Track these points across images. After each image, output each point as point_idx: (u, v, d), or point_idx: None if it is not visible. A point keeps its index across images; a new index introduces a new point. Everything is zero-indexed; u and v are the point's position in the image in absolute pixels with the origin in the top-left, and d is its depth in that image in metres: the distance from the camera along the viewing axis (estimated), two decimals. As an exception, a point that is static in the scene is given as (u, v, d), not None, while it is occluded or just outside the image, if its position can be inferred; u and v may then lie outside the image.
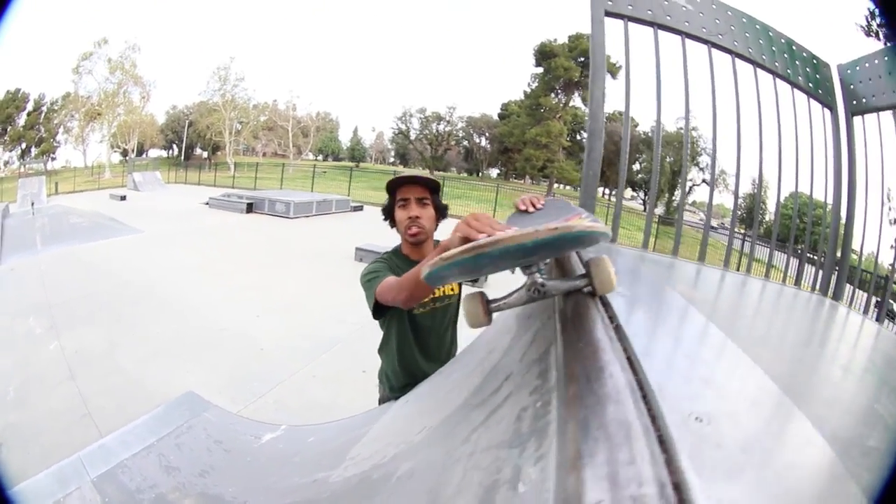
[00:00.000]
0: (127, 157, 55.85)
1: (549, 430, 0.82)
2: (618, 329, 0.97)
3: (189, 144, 65.92)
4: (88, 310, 8.25)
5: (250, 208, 22.53)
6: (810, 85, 3.50)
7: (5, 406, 5.33)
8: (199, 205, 24.66)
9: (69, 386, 5.75)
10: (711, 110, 3.07)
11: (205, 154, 66.89)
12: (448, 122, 67.94)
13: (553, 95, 56.28)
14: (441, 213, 2.65)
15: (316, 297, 9.64)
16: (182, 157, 63.59)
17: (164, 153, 68.52)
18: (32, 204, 22.21)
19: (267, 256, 13.65)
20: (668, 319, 1.33)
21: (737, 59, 3.17)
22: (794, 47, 3.47)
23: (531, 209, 1.85)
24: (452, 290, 2.73)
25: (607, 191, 52.58)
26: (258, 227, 19.01)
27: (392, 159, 78.88)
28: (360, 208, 25.91)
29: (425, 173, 2.73)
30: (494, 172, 69.42)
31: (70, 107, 53.89)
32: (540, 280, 1.21)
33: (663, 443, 0.61)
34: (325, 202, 24.05)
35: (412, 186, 2.51)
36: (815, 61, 3.59)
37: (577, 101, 56.33)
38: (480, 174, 68.68)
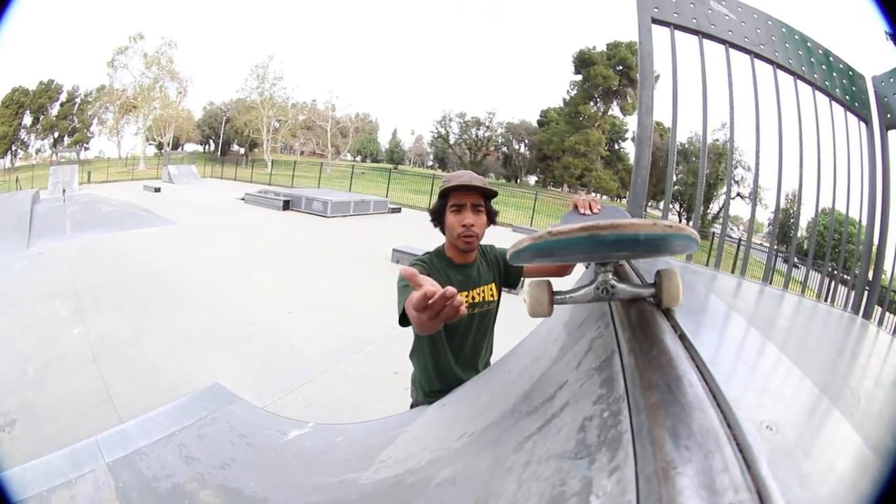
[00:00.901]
0: (162, 150, 56.99)
1: (622, 440, 0.82)
2: (683, 339, 0.98)
3: (226, 140, 67.04)
4: (116, 297, 8.27)
5: (287, 205, 22.68)
6: (847, 97, 3.44)
7: (23, 384, 5.30)
8: (235, 200, 24.89)
9: (91, 370, 5.73)
10: (755, 122, 3.03)
11: (242, 150, 67.99)
12: (488, 127, 68.60)
13: (592, 104, 56.84)
14: (492, 219, 2.58)
15: (350, 296, 9.56)
16: (219, 153, 64.57)
17: (200, 148, 69.77)
18: (63, 191, 22.58)
19: (302, 254, 13.65)
20: (720, 329, 1.30)
21: (778, 71, 3.14)
22: (830, 59, 3.43)
23: (588, 212, 1.87)
24: (492, 295, 2.67)
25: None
26: (294, 224, 18.93)
27: (431, 163, 79.25)
28: (397, 210, 25.92)
29: (480, 179, 2.49)
30: (532, 179, 69.49)
31: (105, 99, 55.48)
32: (612, 281, 1.21)
33: (743, 451, 0.63)
34: (363, 203, 24.03)
35: (468, 193, 2.44)
36: (850, 73, 3.53)
37: (615, 110, 56.74)
38: (519, 181, 68.81)
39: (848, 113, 3.42)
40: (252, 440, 3.49)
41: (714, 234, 20.52)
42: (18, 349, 6.11)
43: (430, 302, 1.29)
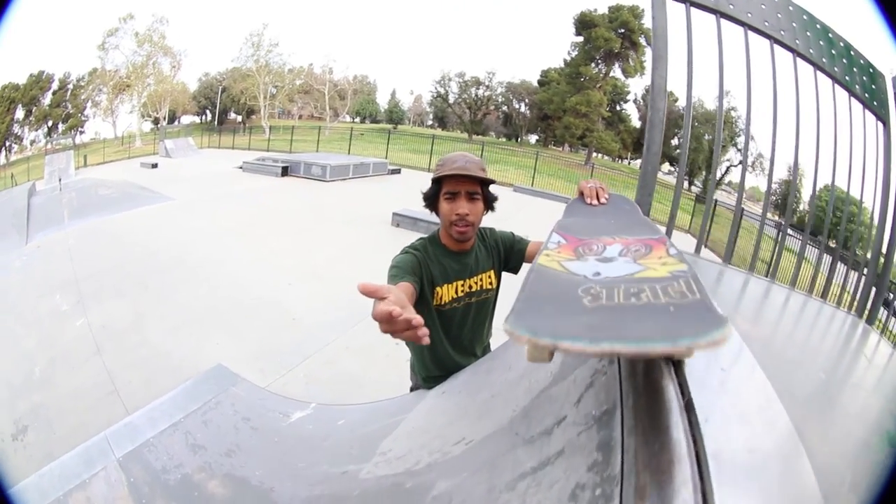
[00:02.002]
0: (158, 126, 56.91)
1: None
2: (689, 409, 0.89)
3: (223, 109, 66.83)
4: (116, 282, 8.26)
5: (285, 172, 22.52)
6: (866, 95, 3.24)
7: (30, 387, 5.34)
8: (233, 169, 24.69)
9: (96, 362, 5.74)
10: (772, 113, 2.88)
11: (239, 118, 67.75)
12: (487, 87, 68.03)
13: (593, 65, 56.49)
14: (490, 205, 2.47)
15: (351, 263, 9.57)
16: (216, 123, 64.48)
17: (197, 119, 69.56)
18: (60, 180, 22.51)
19: (301, 221, 13.56)
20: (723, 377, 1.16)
21: (798, 60, 2.97)
22: (851, 53, 3.24)
23: (595, 201, 1.89)
24: (490, 283, 2.59)
25: (636, 163, 52.64)
26: (293, 190, 18.80)
27: (430, 122, 78.90)
28: (397, 171, 25.81)
29: (477, 163, 2.37)
30: (533, 139, 69.19)
31: (97, 81, 55.25)
32: None
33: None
34: (362, 165, 23.90)
35: (463, 180, 2.31)
36: (871, 70, 3.33)
37: (617, 71, 56.63)
38: (520, 140, 68.51)
39: (866, 111, 3.23)
40: (255, 423, 3.54)
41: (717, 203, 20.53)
42: (23, 350, 6.13)
43: (393, 326, 1.26)
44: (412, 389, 2.84)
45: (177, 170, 25.94)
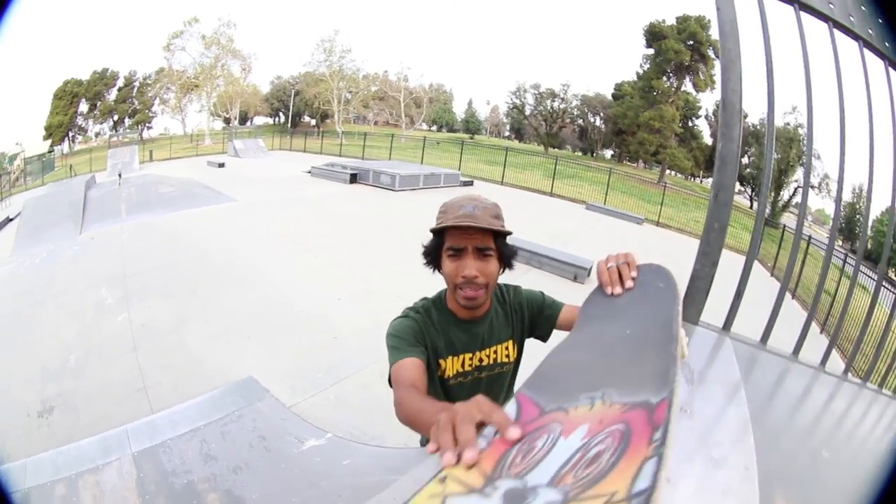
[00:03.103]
0: (230, 125, 58.79)
1: None
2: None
3: (296, 112, 68.36)
4: (163, 281, 8.58)
5: (354, 179, 22.73)
6: None
7: (63, 373, 5.67)
8: (301, 173, 25.00)
9: (130, 359, 6.02)
10: (868, 126, 2.22)
11: (313, 122, 69.15)
12: (563, 99, 67.99)
13: (665, 79, 55.79)
14: (508, 262, 2.02)
15: (406, 280, 9.54)
16: (289, 125, 65.97)
17: (269, 121, 71.40)
18: (120, 175, 23.33)
19: (362, 232, 13.67)
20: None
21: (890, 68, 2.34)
22: None
23: (617, 290, 1.44)
24: (507, 356, 2.17)
25: (707, 181, 51.70)
26: (360, 199, 18.91)
27: (507, 133, 79.21)
28: (469, 183, 25.73)
29: (488, 209, 1.93)
30: (609, 153, 68.69)
31: (164, 80, 57.97)
32: None
33: None
34: (433, 176, 24.07)
35: (470, 233, 1.89)
36: None
37: (688, 85, 55.85)
38: (595, 154, 68.12)
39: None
40: (270, 444, 3.68)
41: (785, 229, 19.48)
42: (63, 338, 6.48)
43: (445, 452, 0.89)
44: (422, 443, 2.53)
45: (243, 170, 26.69)
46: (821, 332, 10.88)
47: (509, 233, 1.96)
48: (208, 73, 57.28)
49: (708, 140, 56.29)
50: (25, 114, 57.60)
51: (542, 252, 10.96)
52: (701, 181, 60.32)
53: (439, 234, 1.98)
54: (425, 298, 2.17)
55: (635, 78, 58.66)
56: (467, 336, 2.07)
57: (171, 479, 3.38)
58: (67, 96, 53.99)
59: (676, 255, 13.83)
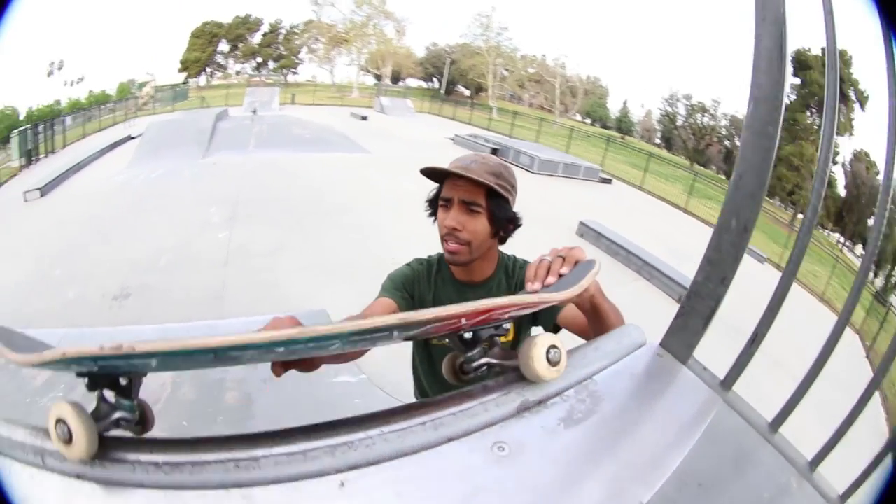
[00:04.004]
0: (380, 81, 60.42)
1: None
2: None
3: (451, 80, 69.17)
4: (272, 212, 8.97)
5: (494, 153, 22.28)
6: None
7: (150, 270, 6.09)
8: (444, 139, 25.21)
9: (218, 271, 6.45)
10: None
11: (467, 92, 69.84)
12: (712, 115, 65.85)
13: (808, 113, 52.59)
14: (500, 225, 1.86)
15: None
16: (442, 92, 66.93)
17: (423, 84, 72.51)
18: (255, 111, 24.31)
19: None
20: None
21: None
22: None
23: (535, 286, 1.24)
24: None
25: (835, 235, 48.63)
26: (495, 174, 18.72)
27: (658, 140, 77.76)
28: (608, 181, 25.02)
29: (489, 166, 1.83)
30: None
31: (313, 31, 60.70)
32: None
33: None
34: (573, 166, 23.14)
35: (459, 182, 1.81)
36: None
37: None
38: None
39: None
40: (312, 376, 3.86)
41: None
42: (160, 243, 6.96)
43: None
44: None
45: (385, 127, 27.16)
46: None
47: (506, 197, 1.85)
48: (359, 30, 59.25)
49: (842, 191, 53.24)
50: (158, 47, 64.27)
51: (653, 263, 10.55)
52: (828, 234, 57.03)
53: (439, 185, 1.92)
54: (431, 256, 2.12)
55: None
56: (459, 298, 1.77)
57: (205, 373, 3.56)
58: (206, 35, 58.00)
59: (789, 308, 12.81)
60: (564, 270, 1.27)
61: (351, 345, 0.89)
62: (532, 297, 1.02)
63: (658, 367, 1.17)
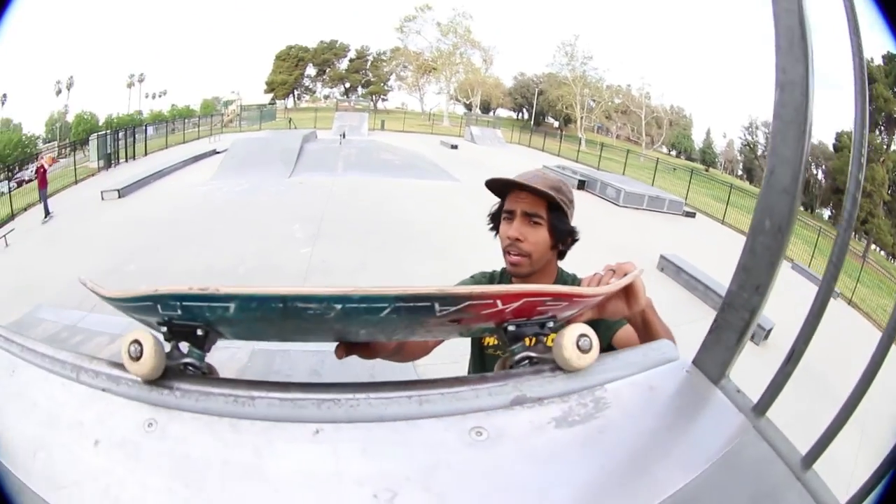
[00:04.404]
0: (471, 110, 61.14)
1: None
2: None
3: (539, 111, 69.61)
4: (358, 233, 9.18)
5: (582, 185, 23.06)
6: None
7: (225, 276, 6.27)
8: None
9: (297, 283, 6.45)
10: None
11: (556, 124, 70.11)
12: None
13: (877, 132, 48.56)
14: (560, 237, 1.90)
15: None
16: (532, 122, 67.33)
17: (513, 115, 73.12)
18: (343, 135, 24.88)
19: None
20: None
21: None
22: None
23: (587, 291, 1.20)
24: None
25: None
26: (580, 206, 18.63)
27: (740, 172, 75.99)
28: (692, 215, 25.12)
29: (549, 180, 1.87)
30: (826, 213, 63.40)
31: (401, 59, 63.22)
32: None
33: None
34: (658, 199, 23.81)
35: (522, 195, 1.86)
36: None
37: None
38: (812, 211, 62.94)
39: None
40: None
41: None
42: (239, 252, 7.12)
43: None
44: None
45: (475, 156, 27.45)
46: None
47: (566, 211, 1.89)
48: (447, 58, 60.93)
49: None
50: (241, 67, 69.71)
51: (722, 294, 10.16)
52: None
53: (501, 200, 1.96)
54: (495, 270, 2.16)
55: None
56: None
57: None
58: (291, 59, 61.46)
59: (855, 342, 12.08)
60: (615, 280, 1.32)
61: (396, 313, 0.91)
62: (565, 289, 1.06)
63: (685, 385, 1.10)
